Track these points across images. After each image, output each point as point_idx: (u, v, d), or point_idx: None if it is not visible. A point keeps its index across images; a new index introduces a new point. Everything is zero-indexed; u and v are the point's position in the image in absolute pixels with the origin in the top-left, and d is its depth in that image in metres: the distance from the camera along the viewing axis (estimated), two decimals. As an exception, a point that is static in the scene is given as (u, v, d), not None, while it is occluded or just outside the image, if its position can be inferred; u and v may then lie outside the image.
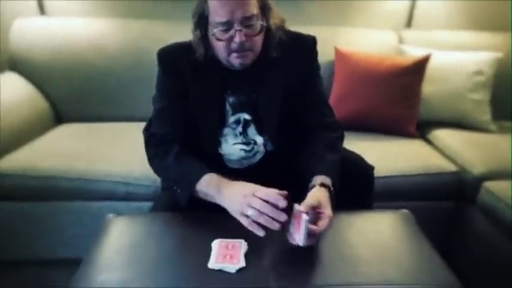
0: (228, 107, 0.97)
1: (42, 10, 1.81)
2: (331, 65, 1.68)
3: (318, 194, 0.81)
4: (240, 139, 0.98)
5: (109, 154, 1.37)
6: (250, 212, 0.75)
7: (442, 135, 1.62)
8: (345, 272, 0.73)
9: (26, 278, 1.34)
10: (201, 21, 0.89)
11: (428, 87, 1.65)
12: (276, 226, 0.74)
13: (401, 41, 1.83)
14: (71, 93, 1.69)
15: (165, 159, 0.89)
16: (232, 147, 0.98)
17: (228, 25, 0.86)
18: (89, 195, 1.28)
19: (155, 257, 0.76)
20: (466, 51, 1.72)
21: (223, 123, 0.97)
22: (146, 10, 1.81)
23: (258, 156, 0.99)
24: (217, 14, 0.85)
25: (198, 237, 0.81)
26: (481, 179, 1.34)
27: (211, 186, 0.82)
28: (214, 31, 0.87)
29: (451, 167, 1.41)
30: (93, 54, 1.68)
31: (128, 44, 1.70)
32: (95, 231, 0.86)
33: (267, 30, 0.91)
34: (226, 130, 0.98)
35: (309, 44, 0.98)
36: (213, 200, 0.82)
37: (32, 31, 1.68)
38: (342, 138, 0.98)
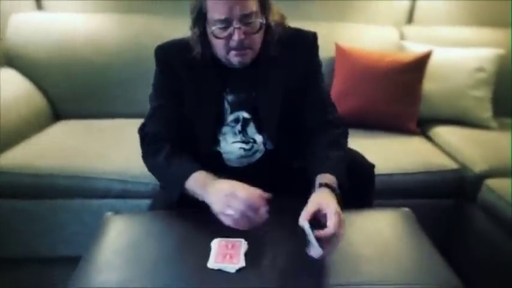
0: (226, 105, 0.96)
1: (39, 5, 1.79)
2: (332, 61, 1.66)
3: (316, 197, 0.79)
4: (239, 138, 0.97)
5: (107, 151, 1.37)
6: (229, 212, 0.75)
7: (442, 132, 1.61)
8: (346, 271, 0.73)
9: (26, 276, 1.34)
10: (200, 19, 0.87)
11: (430, 84, 1.64)
12: (255, 226, 0.74)
13: (402, 37, 1.82)
14: (68, 89, 1.67)
15: (156, 158, 0.89)
16: (231, 146, 0.97)
17: (226, 23, 0.84)
18: (87, 193, 1.28)
19: (154, 256, 0.76)
20: (467, 47, 1.71)
21: (221, 121, 0.96)
22: (145, 5, 1.80)
23: (258, 155, 0.99)
24: (216, 11, 0.84)
25: (198, 236, 0.80)
26: (482, 177, 1.34)
27: (198, 185, 0.82)
28: (213, 29, 0.86)
29: (451, 165, 1.41)
30: (91, 50, 1.66)
31: (126, 40, 1.68)
32: (95, 229, 0.86)
33: (267, 28, 0.90)
34: (225, 129, 0.97)
35: (309, 40, 0.97)
36: (200, 198, 0.82)
37: (29, 27, 1.67)
38: (346, 135, 0.96)
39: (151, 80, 0.98)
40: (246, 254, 0.75)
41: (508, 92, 1.74)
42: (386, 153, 1.43)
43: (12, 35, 1.65)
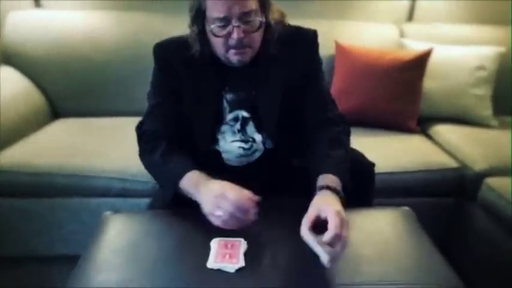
0: (225, 104, 0.95)
1: (37, 3, 1.78)
2: (332, 59, 1.66)
3: (317, 201, 0.77)
4: (238, 136, 0.96)
5: (106, 150, 1.36)
6: (218, 213, 0.75)
7: (443, 130, 1.61)
8: (346, 270, 0.72)
9: (25, 274, 1.33)
10: (198, 17, 0.87)
11: (430, 82, 1.64)
12: (243, 227, 0.74)
13: (402, 34, 1.81)
14: (67, 87, 1.67)
15: (152, 156, 0.89)
16: (230, 145, 0.97)
17: (225, 21, 0.83)
18: (86, 192, 1.27)
19: (153, 256, 0.76)
20: (467, 45, 1.71)
21: (220, 120, 0.96)
22: (144, 3, 1.79)
23: (257, 154, 0.98)
24: (215, 9, 0.83)
25: (197, 235, 0.80)
26: (482, 175, 1.34)
27: (192, 184, 0.82)
28: (212, 27, 0.85)
29: (452, 163, 1.41)
30: (89, 48, 1.66)
31: (125, 38, 1.68)
32: (94, 228, 0.85)
33: (267, 26, 0.89)
34: (224, 127, 0.96)
35: (309, 38, 0.96)
36: (193, 198, 0.82)
37: (27, 24, 1.66)
38: (347, 133, 0.96)
39: (150, 78, 0.97)
40: (246, 254, 0.74)
41: (508, 90, 1.74)
42: (387, 151, 1.43)
43: (10, 32, 1.64)
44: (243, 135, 0.96)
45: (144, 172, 1.22)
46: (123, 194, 1.27)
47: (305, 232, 0.71)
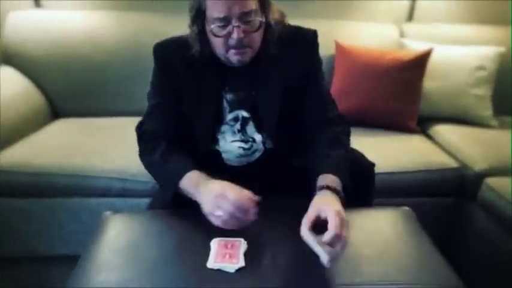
0: (225, 104, 0.95)
1: (37, 3, 1.78)
2: (332, 59, 1.66)
3: (316, 201, 0.77)
4: (238, 136, 0.96)
5: (106, 150, 1.36)
6: (218, 213, 0.75)
7: (443, 130, 1.61)
8: (346, 270, 0.72)
9: (24, 274, 1.33)
10: (198, 17, 0.87)
11: (430, 82, 1.64)
12: (243, 227, 0.74)
13: (402, 34, 1.81)
14: (67, 87, 1.67)
15: (152, 156, 0.89)
16: (230, 145, 0.97)
17: (225, 21, 0.83)
18: (86, 192, 1.27)
19: (153, 256, 0.75)
20: (467, 45, 1.71)
21: (220, 120, 0.96)
22: (144, 3, 1.79)
23: (257, 154, 0.98)
24: (215, 9, 0.83)
25: (197, 235, 0.80)
26: (482, 175, 1.34)
27: (192, 184, 0.82)
28: (212, 27, 0.85)
29: (452, 163, 1.41)
30: (89, 48, 1.66)
31: (125, 38, 1.68)
32: (94, 228, 0.85)
33: (267, 26, 0.89)
34: (224, 127, 0.96)
35: (309, 37, 0.96)
36: (193, 198, 0.82)
37: (27, 24, 1.66)
38: (347, 133, 0.96)
39: (150, 78, 0.97)
40: (246, 254, 0.74)
41: (508, 90, 1.74)
42: (387, 151, 1.43)
43: (10, 32, 1.64)
44: (243, 135, 0.96)
45: (144, 172, 1.23)
46: (123, 194, 1.27)
47: (305, 232, 0.71)
